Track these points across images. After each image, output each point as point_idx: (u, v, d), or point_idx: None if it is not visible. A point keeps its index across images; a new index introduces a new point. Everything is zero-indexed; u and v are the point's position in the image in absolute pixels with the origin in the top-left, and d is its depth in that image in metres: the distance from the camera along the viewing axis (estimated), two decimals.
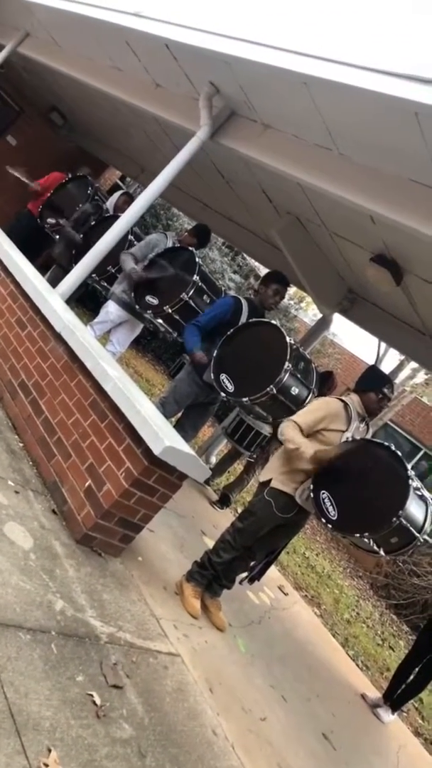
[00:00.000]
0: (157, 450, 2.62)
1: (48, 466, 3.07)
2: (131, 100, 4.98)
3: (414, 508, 3.19)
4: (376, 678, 5.29)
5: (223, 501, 5.54)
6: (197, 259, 4.37)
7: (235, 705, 2.66)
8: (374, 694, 4.57)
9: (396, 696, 4.45)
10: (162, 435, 2.64)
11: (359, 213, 3.64)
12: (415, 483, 3.17)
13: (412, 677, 4.48)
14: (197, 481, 3.09)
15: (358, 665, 5.19)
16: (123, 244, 4.70)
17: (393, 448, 3.21)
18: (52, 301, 3.61)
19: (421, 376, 12.78)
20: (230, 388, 3.81)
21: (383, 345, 12.76)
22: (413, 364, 12.01)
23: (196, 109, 4.05)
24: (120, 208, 5.72)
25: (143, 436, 2.69)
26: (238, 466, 6.20)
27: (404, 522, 3.09)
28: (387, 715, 4.34)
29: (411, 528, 3.15)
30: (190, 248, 4.56)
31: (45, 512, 2.77)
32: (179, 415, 4.53)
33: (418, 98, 2.51)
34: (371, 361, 12.50)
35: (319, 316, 6.50)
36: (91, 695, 1.89)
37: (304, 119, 3.40)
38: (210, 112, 3.99)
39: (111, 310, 4.73)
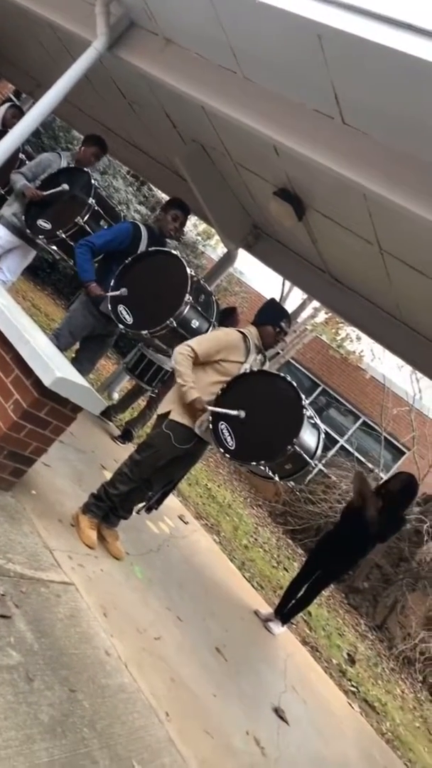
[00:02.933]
0: (47, 381, 2.52)
1: None
2: (22, 0, 4.49)
3: (307, 436, 3.34)
4: (270, 596, 5.67)
5: (125, 436, 5.53)
6: (93, 181, 4.11)
7: (130, 627, 2.74)
8: (267, 610, 4.90)
9: (286, 610, 4.80)
10: (52, 365, 2.54)
11: (263, 143, 3.58)
12: (308, 412, 3.30)
13: (302, 593, 4.84)
14: (93, 413, 3.02)
15: (253, 586, 5.52)
16: (13, 163, 4.33)
17: (288, 378, 3.30)
18: None
19: (322, 315, 13.20)
20: (129, 320, 3.72)
21: (288, 284, 13.00)
22: (315, 303, 12.35)
23: (93, 15, 3.73)
24: (9, 122, 5.23)
25: (33, 367, 2.57)
26: (141, 402, 6.18)
27: (298, 449, 3.23)
28: (277, 628, 4.68)
29: (304, 455, 3.31)
30: (86, 170, 4.27)
31: None
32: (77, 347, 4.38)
33: (321, 19, 2.44)
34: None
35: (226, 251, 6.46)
36: None
37: (208, 36, 3.23)
38: (107, 19, 3.69)
39: (0, 234, 4.39)
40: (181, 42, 3.55)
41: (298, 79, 2.93)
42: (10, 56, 8.13)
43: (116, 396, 6.52)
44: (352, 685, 5.54)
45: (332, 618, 7.39)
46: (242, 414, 3.15)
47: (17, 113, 5.34)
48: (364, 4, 2.34)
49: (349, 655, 6.39)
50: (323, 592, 6.11)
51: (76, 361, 4.14)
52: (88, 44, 3.77)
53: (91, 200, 4.01)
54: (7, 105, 5.54)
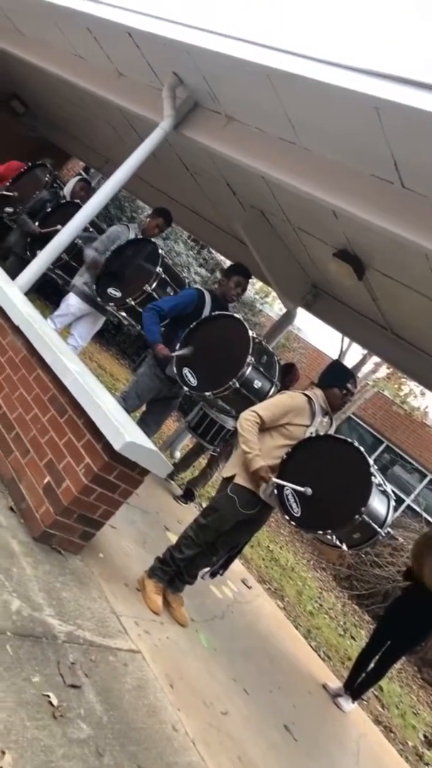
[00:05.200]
0: (117, 445, 2.58)
1: (5, 462, 2.99)
2: (94, 89, 4.90)
3: (376, 504, 3.21)
4: (338, 668, 5.37)
5: (187, 495, 5.53)
6: (160, 251, 4.32)
7: (196, 700, 2.65)
8: (335, 683, 4.63)
9: (356, 685, 4.52)
10: (123, 430, 2.60)
11: (322, 207, 3.66)
12: (377, 479, 3.19)
13: (372, 665, 4.56)
14: (159, 476, 3.05)
15: (320, 656, 5.26)
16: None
17: (356, 444, 3.23)
18: (11, 293, 3.52)
19: (383, 371, 13.00)
20: (193, 382, 3.79)
21: (347, 339, 12.94)
22: (375, 359, 12.20)
23: (159, 99, 4.01)
24: (76, 194, 5.61)
25: (103, 431, 2.65)
26: (203, 461, 6.19)
27: (366, 518, 3.10)
28: (348, 704, 4.40)
29: (373, 524, 3.18)
30: (153, 240, 4.49)
31: (2, 510, 2.70)
32: (143, 409, 4.48)
33: (378, 93, 2.52)
34: (335, 356, 12.65)
35: (284, 310, 6.54)
36: (48, 696, 1.85)
37: (268, 112, 3.39)
38: (173, 102, 3.94)
39: (72, 302, 4.64)
40: (242, 119, 3.74)
41: (357, 148, 3.02)
42: (82, 137, 8.80)
43: (178, 454, 6.57)
44: None
45: (405, 694, 6.90)
46: (308, 491, 3.08)
47: (85, 186, 5.72)
48: (417, 77, 2.42)
49: (425, 736, 5.91)
50: (395, 664, 5.73)
51: (142, 423, 4.23)
52: (155, 124, 4.03)
53: (158, 269, 4.19)
54: (77, 178, 5.94)
